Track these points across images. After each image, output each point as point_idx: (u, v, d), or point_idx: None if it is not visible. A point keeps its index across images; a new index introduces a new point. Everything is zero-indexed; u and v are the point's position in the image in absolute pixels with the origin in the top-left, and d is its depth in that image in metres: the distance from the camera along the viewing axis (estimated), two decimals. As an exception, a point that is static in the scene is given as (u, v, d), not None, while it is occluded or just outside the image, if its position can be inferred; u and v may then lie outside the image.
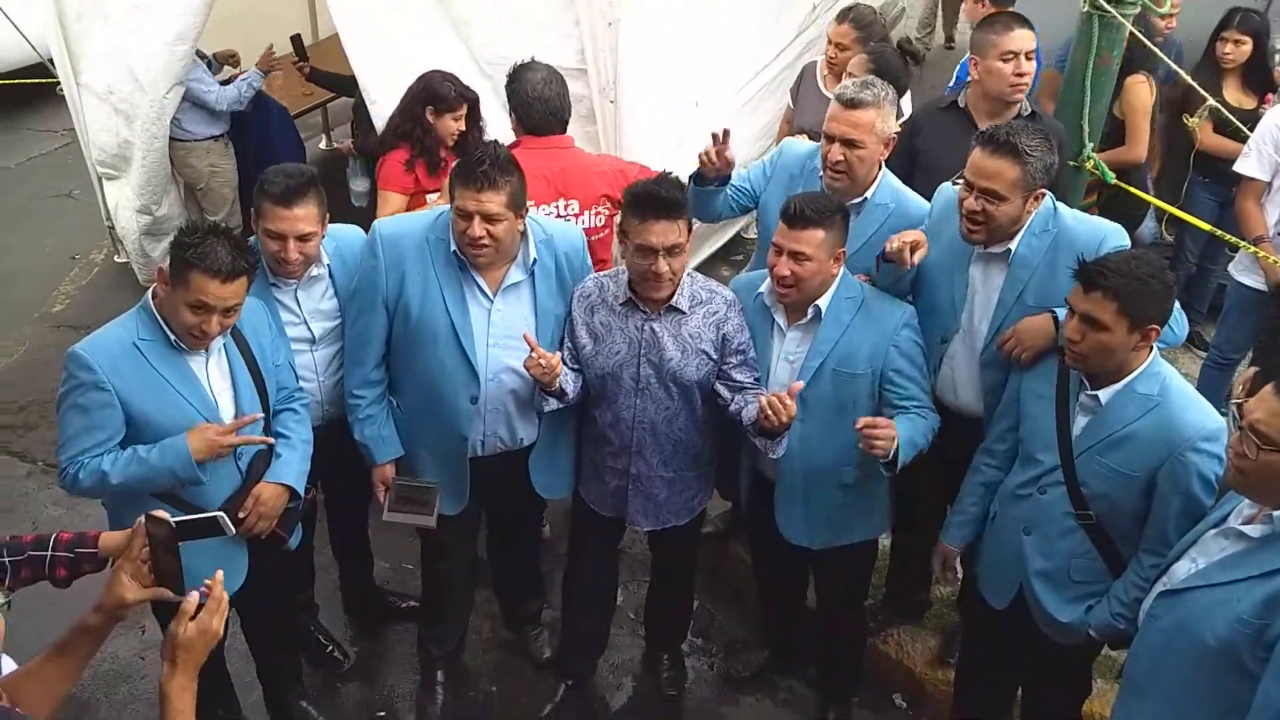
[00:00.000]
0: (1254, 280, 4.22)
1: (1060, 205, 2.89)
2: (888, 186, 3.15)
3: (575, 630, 3.51)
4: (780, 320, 2.93)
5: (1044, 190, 2.78)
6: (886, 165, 3.21)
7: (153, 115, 4.87)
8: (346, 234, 3.15)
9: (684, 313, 2.88)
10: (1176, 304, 2.75)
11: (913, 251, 2.81)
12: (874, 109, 2.98)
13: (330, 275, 3.02)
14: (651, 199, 2.73)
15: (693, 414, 2.98)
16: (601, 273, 3.01)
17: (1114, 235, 2.82)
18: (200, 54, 5.07)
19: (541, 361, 2.77)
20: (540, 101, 3.40)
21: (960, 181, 2.82)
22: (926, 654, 3.65)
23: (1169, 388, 2.48)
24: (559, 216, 3.46)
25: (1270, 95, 4.77)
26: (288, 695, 3.39)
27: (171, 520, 1.96)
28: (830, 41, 4.28)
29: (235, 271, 2.48)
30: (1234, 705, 2.02)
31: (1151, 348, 2.50)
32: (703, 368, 2.90)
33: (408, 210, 3.76)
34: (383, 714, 3.57)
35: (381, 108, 4.47)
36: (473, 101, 3.93)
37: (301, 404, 2.95)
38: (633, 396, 2.92)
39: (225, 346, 2.69)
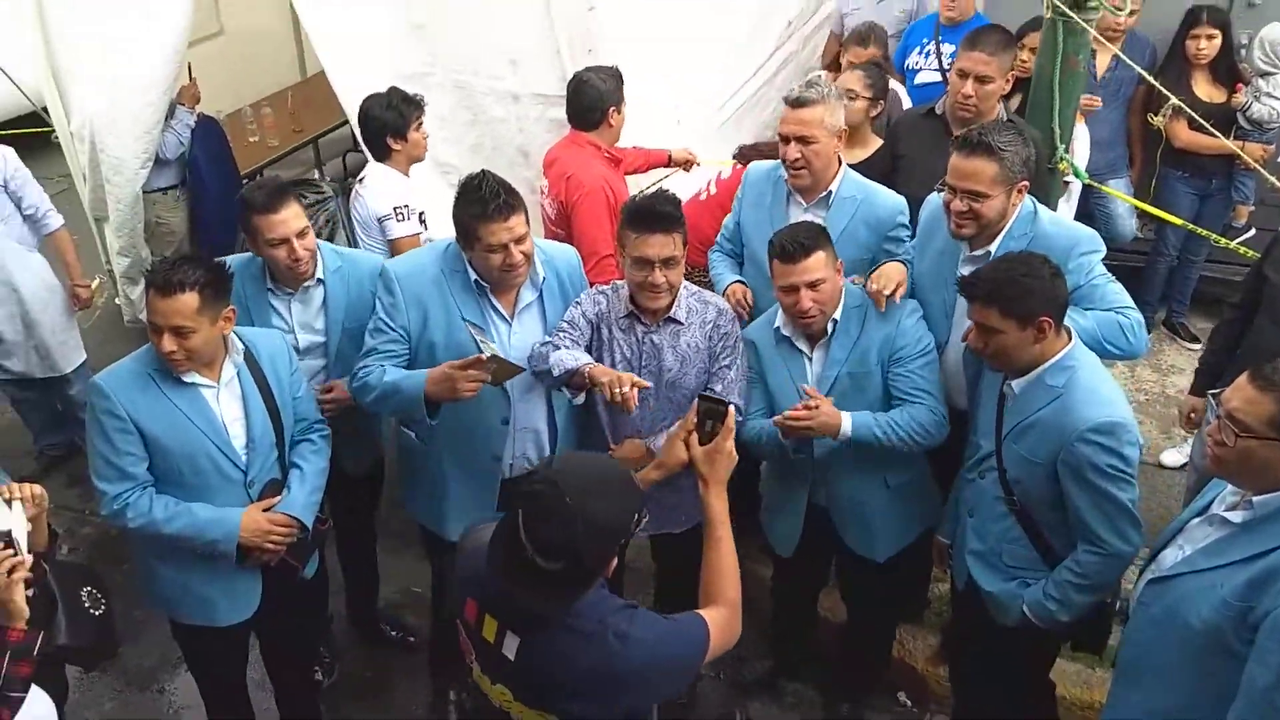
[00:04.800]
0: None
1: (1040, 208, 2.98)
2: (851, 180, 3.30)
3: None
4: (803, 346, 3.01)
5: (1026, 183, 2.89)
6: (870, 171, 3.39)
7: (121, 161, 4.94)
8: (359, 257, 3.26)
9: (681, 323, 2.96)
10: (1139, 317, 2.84)
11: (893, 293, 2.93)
12: (820, 105, 3.15)
13: (325, 292, 3.12)
14: (648, 214, 2.82)
15: None
16: (605, 285, 3.08)
17: (1086, 240, 2.92)
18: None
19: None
20: (567, 96, 3.95)
21: (944, 187, 2.93)
22: (927, 651, 3.71)
23: (1075, 381, 2.56)
24: (544, 194, 4.01)
25: (1240, 85, 4.87)
26: (304, 720, 3.46)
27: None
28: (852, 64, 4.40)
29: (169, 286, 2.52)
30: (1221, 687, 2.07)
31: (1070, 339, 2.60)
32: (700, 377, 2.99)
33: None
34: (399, 736, 3.64)
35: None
36: None
37: (320, 435, 3.00)
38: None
39: (240, 377, 2.76)
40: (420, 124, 3.82)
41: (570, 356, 2.85)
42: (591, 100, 3.87)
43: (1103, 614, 2.75)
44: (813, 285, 2.83)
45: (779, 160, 3.31)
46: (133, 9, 4.59)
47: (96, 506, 2.75)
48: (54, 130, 5.34)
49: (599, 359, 2.98)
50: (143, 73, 4.75)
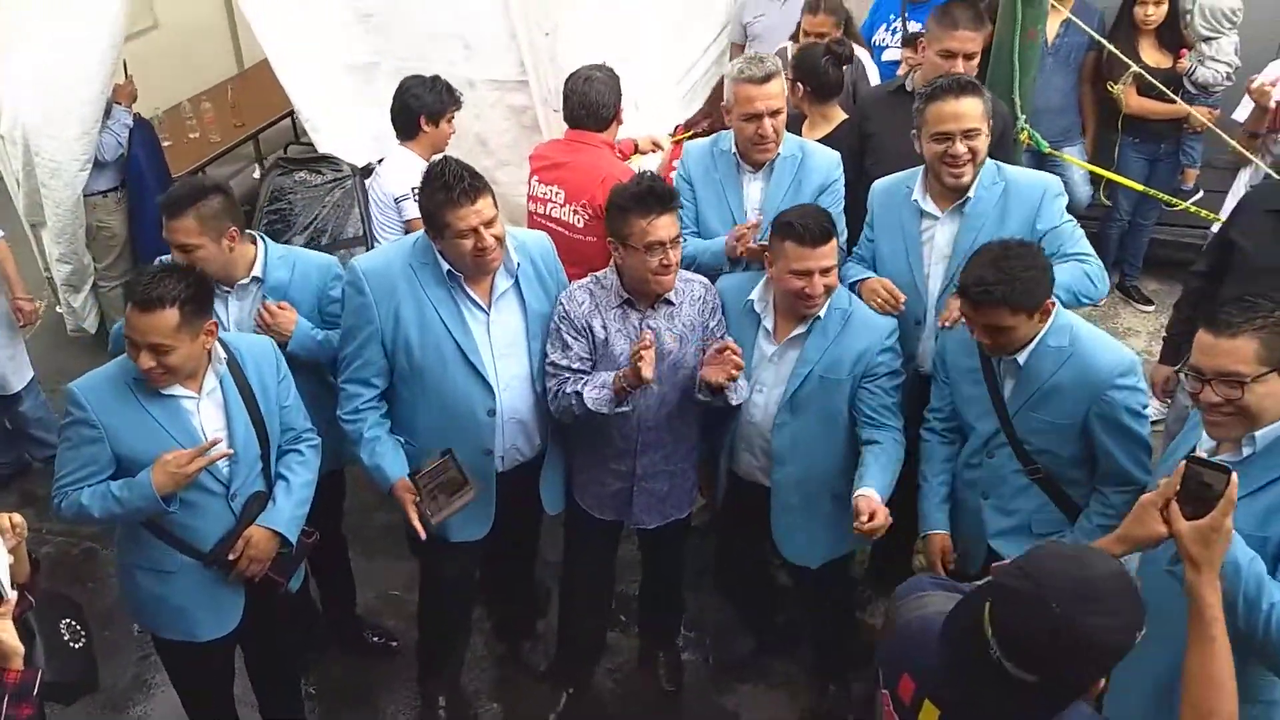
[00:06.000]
0: None
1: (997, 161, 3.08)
2: (789, 141, 3.39)
3: (576, 637, 3.54)
4: (768, 324, 2.97)
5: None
6: (837, 146, 3.51)
7: (59, 164, 4.74)
8: (307, 252, 3.18)
9: (674, 304, 2.94)
10: (1098, 262, 2.98)
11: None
12: (779, 76, 3.24)
13: (265, 288, 3.03)
14: (652, 195, 2.78)
15: (690, 404, 3.00)
16: (584, 280, 3.01)
17: (1053, 184, 3.06)
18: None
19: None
20: (572, 95, 3.65)
21: (936, 137, 2.93)
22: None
23: (1078, 336, 2.61)
24: (548, 201, 3.72)
25: (1184, 51, 4.96)
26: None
27: None
28: (807, 33, 4.34)
29: (149, 301, 2.44)
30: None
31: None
32: (698, 354, 2.95)
33: None
34: (386, 743, 3.58)
35: (323, 134, 4.46)
36: None
37: (309, 445, 2.91)
38: (637, 396, 2.91)
39: (223, 386, 2.67)
40: (453, 118, 3.80)
41: (599, 391, 2.82)
42: (605, 98, 3.67)
43: None
44: (826, 271, 2.81)
45: (715, 135, 3.40)
46: (65, 3, 4.39)
47: (54, 525, 2.66)
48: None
49: (602, 355, 2.93)
50: (78, 70, 4.55)
